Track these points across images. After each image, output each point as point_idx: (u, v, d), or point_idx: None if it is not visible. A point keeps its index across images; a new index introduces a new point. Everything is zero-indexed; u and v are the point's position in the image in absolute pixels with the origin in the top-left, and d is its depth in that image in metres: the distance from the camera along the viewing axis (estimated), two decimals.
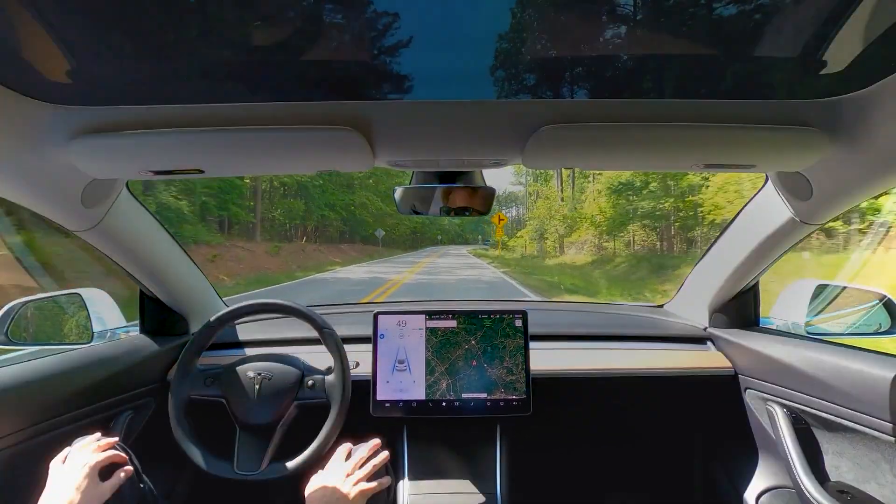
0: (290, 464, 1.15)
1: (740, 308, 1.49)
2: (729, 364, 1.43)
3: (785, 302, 1.53)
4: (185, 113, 0.77)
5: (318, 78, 0.72)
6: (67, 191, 0.98)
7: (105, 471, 0.96)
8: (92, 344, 1.40)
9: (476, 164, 1.08)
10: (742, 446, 1.44)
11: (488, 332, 1.36)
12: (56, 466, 0.94)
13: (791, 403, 1.22)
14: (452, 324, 1.37)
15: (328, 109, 0.78)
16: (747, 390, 1.37)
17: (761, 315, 1.50)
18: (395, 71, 0.71)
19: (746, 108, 0.79)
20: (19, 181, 0.89)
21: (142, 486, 1.04)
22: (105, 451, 0.98)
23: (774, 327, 1.48)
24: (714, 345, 1.52)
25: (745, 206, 1.28)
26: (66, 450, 0.98)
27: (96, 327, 1.44)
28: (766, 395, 1.30)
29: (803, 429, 1.21)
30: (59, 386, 1.15)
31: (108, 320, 1.50)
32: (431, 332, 1.36)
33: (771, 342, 1.33)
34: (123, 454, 1.01)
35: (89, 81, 0.71)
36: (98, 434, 1.03)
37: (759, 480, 1.36)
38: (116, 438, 1.03)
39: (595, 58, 0.72)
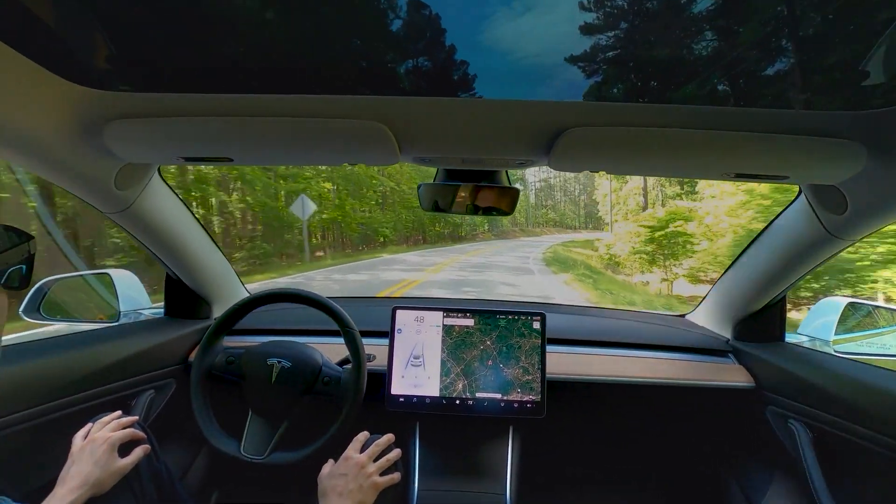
0: (293, 455, 1.17)
1: (765, 322, 1.45)
2: (751, 378, 1.40)
3: (813, 318, 1.49)
4: (218, 102, 0.79)
5: (348, 72, 0.73)
6: (101, 173, 1.01)
7: (124, 448, 0.99)
8: (118, 323, 1.44)
9: (501, 163, 1.07)
10: (760, 463, 1.41)
11: (503, 331, 1.35)
12: (78, 441, 0.97)
13: (814, 423, 1.19)
14: (470, 322, 1.37)
15: (357, 103, 0.78)
16: (769, 406, 1.34)
17: (787, 330, 1.47)
18: (425, 67, 0.71)
19: (781, 117, 0.77)
20: (57, 162, 0.92)
21: (158, 464, 1.07)
22: (125, 428, 1.01)
23: (800, 344, 1.45)
24: (736, 358, 1.49)
25: (776, 218, 1.25)
26: (88, 425, 1.01)
27: (123, 307, 1.48)
28: (788, 413, 1.27)
29: (826, 449, 1.17)
30: (85, 362, 1.18)
31: (135, 301, 1.54)
32: (448, 329, 1.37)
33: (796, 358, 1.30)
34: (142, 433, 1.04)
35: (127, 67, 0.73)
36: (119, 412, 1.06)
37: (776, 499, 1.32)
38: (136, 417, 1.07)
39: (626, 60, 0.71)
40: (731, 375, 1.42)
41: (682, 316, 1.78)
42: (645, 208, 24.26)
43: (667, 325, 1.67)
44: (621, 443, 1.73)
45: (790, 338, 1.46)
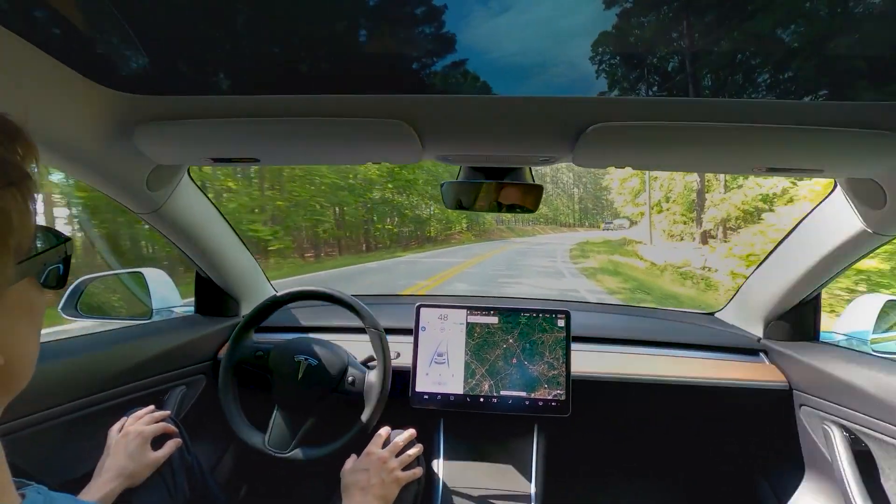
0: (316, 452, 1.19)
1: (799, 320, 1.41)
2: (783, 378, 1.36)
3: (849, 317, 1.44)
4: (245, 103, 0.80)
5: (371, 71, 0.73)
6: (134, 175, 1.04)
7: (157, 441, 1.02)
8: (151, 320, 1.48)
9: (524, 160, 1.07)
10: (791, 465, 1.37)
11: (525, 328, 1.35)
12: (113, 434, 1.01)
13: (850, 424, 1.15)
14: (494, 320, 1.36)
15: (380, 102, 0.79)
16: (802, 407, 1.30)
17: (821, 329, 1.42)
18: (447, 65, 0.71)
19: (815, 108, 0.74)
20: (91, 164, 0.96)
21: (189, 457, 1.10)
22: (158, 422, 1.04)
23: (836, 342, 1.40)
24: (768, 357, 1.45)
25: (811, 212, 1.21)
26: (123, 419, 1.04)
27: (155, 305, 1.52)
28: (822, 414, 1.23)
29: (862, 451, 1.14)
30: (120, 358, 1.22)
31: (167, 299, 1.58)
32: (471, 328, 1.37)
33: (832, 358, 1.25)
34: (174, 427, 1.07)
35: (158, 72, 0.75)
36: (152, 406, 1.09)
37: (808, 501, 1.29)
38: (169, 412, 1.10)
39: (651, 55, 0.69)
40: (763, 375, 1.39)
41: (712, 314, 1.74)
42: (701, 192, 18.56)
43: (696, 324, 1.64)
44: (648, 442, 1.70)
45: (825, 337, 1.42)
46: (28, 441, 1.01)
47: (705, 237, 18.63)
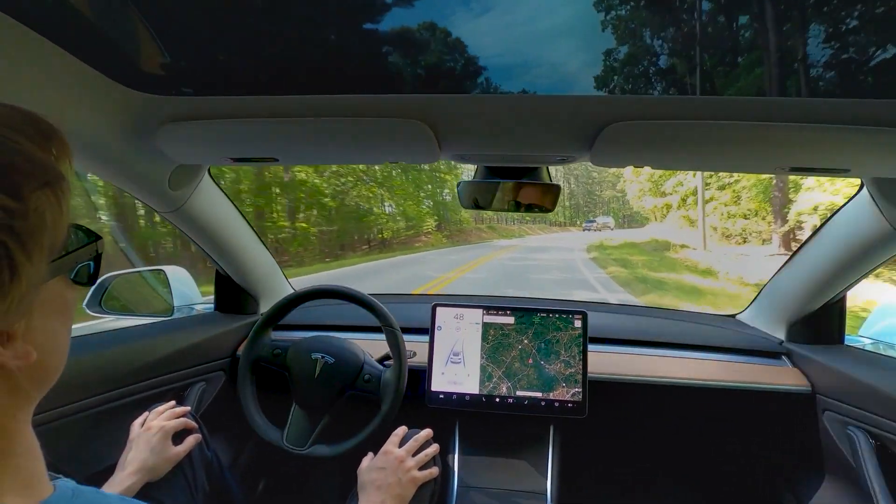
0: (332, 449, 1.19)
1: (823, 323, 1.38)
2: (806, 382, 1.33)
3: (876, 320, 1.40)
4: (264, 103, 0.81)
5: (389, 71, 0.73)
6: (156, 174, 1.06)
7: (177, 436, 1.04)
8: (172, 317, 1.50)
9: (542, 160, 1.06)
10: (814, 470, 1.34)
11: (539, 328, 1.34)
12: (135, 429, 1.03)
13: (877, 430, 1.12)
14: (509, 320, 1.36)
15: (398, 102, 0.79)
16: (825, 412, 1.27)
17: (847, 332, 1.39)
18: (464, 65, 0.71)
19: (840, 106, 0.72)
20: (115, 164, 0.98)
21: (209, 452, 1.11)
22: (178, 418, 1.06)
23: (861, 346, 1.36)
24: (790, 360, 1.42)
25: (836, 213, 1.19)
26: (145, 414, 1.07)
27: (176, 302, 1.55)
28: (847, 419, 1.20)
29: (889, 458, 1.11)
30: (142, 354, 1.25)
31: (187, 296, 1.60)
32: (486, 329, 1.36)
33: (857, 362, 1.22)
34: (194, 422, 1.09)
35: (179, 72, 0.76)
36: (173, 402, 1.11)
37: None
38: (189, 408, 1.11)
39: (670, 52, 0.68)
40: (785, 378, 1.36)
41: (733, 316, 1.71)
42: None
43: (716, 326, 1.61)
44: (667, 445, 1.68)
45: (850, 340, 1.38)
46: (53, 435, 1.03)
47: (788, 240, 13.27)
